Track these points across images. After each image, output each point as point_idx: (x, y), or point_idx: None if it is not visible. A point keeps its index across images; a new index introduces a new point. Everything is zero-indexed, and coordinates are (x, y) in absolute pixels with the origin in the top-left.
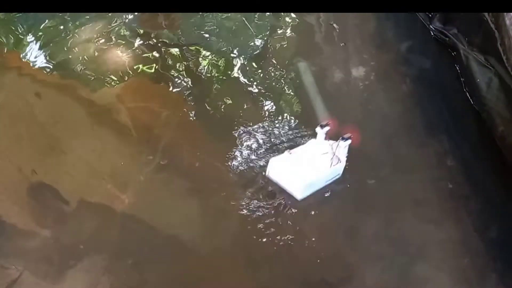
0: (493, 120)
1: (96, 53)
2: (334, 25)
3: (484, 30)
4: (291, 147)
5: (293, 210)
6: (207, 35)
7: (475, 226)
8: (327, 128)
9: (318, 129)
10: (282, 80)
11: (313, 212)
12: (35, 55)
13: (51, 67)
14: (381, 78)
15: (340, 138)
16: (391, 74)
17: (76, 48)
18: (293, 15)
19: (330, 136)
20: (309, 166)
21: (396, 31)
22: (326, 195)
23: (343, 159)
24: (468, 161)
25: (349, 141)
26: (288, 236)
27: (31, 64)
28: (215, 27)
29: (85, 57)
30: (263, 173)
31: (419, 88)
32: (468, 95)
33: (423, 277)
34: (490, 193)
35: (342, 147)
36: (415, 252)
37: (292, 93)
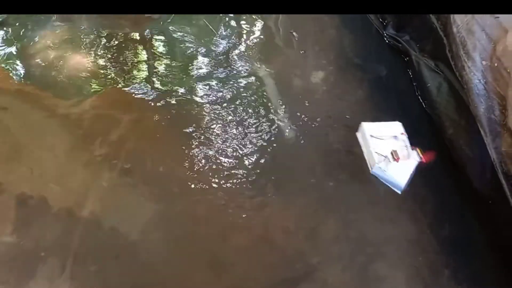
0: (443, 123)
1: (59, 59)
2: (294, 33)
3: (433, 37)
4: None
5: (255, 212)
6: (174, 36)
7: (430, 225)
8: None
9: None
10: (244, 85)
11: (276, 212)
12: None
13: (16, 73)
14: (339, 82)
15: (416, 150)
16: (349, 79)
17: (39, 54)
18: (257, 23)
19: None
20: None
21: (353, 38)
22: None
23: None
24: (422, 163)
25: (418, 158)
26: (252, 238)
27: None
28: (180, 31)
29: (48, 63)
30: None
31: (375, 92)
32: (420, 99)
33: (381, 275)
34: (444, 194)
35: (413, 157)
36: (373, 250)
37: (254, 98)
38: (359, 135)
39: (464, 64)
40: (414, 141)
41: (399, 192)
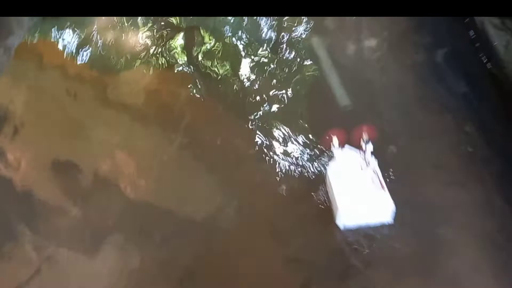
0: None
1: (111, 42)
2: None
3: None
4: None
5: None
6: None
7: (497, 188)
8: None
9: (334, 151)
10: (298, 59)
11: None
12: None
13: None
14: (394, 48)
15: (363, 142)
16: (404, 43)
17: (93, 38)
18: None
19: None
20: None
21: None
22: None
23: (372, 158)
24: (487, 124)
25: (370, 144)
26: (312, 205)
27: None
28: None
29: (100, 46)
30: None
31: (433, 56)
32: (484, 59)
33: (450, 240)
34: (511, 155)
35: (368, 151)
36: (440, 216)
37: (308, 69)
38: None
39: None
40: (479, 102)
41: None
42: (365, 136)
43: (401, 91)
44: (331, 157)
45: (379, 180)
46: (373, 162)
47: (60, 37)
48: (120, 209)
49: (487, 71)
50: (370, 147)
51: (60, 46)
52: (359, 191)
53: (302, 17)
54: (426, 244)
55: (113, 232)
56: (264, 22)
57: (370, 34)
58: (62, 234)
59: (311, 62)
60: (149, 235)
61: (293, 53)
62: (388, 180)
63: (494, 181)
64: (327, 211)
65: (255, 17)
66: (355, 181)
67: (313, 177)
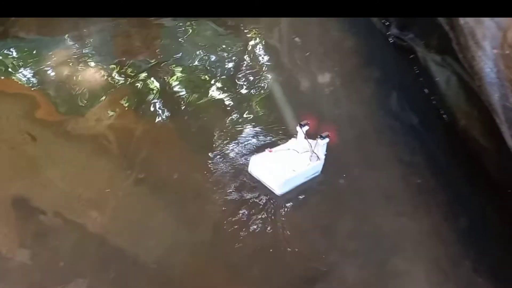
0: (454, 115)
1: (70, 75)
2: (296, 39)
3: (439, 32)
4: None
5: (271, 214)
6: (179, 53)
7: (445, 217)
8: (306, 128)
9: (298, 128)
10: (253, 91)
11: (290, 212)
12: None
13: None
14: (346, 82)
15: (318, 136)
16: (355, 78)
17: (50, 72)
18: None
19: (309, 135)
20: (288, 164)
21: (357, 39)
22: (300, 197)
23: (322, 157)
24: (434, 156)
25: (327, 140)
26: (266, 238)
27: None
28: (186, 46)
29: (59, 79)
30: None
31: (382, 90)
32: (428, 94)
33: (400, 270)
34: (457, 185)
35: (320, 145)
36: (390, 246)
37: (264, 102)
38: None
39: (474, 54)
40: (426, 135)
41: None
42: (324, 133)
43: (352, 124)
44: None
45: (305, 168)
46: (321, 159)
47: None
48: (73, 248)
49: (432, 104)
50: (322, 143)
51: (15, 81)
52: (278, 158)
53: (260, 55)
54: (375, 272)
55: (64, 272)
56: (226, 55)
57: (324, 70)
58: (11, 277)
59: (268, 96)
60: (103, 272)
61: (250, 88)
62: (336, 208)
63: (440, 210)
64: (282, 243)
65: (219, 52)
66: (287, 155)
67: (272, 211)
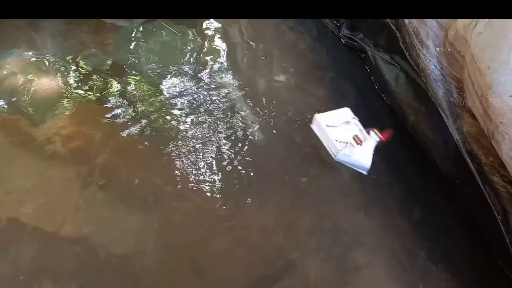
0: (404, 112)
1: (25, 84)
2: (251, 42)
3: (386, 32)
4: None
5: (232, 214)
6: (134, 56)
7: (400, 210)
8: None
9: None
10: (213, 96)
11: (252, 212)
12: None
13: None
14: (301, 83)
15: (373, 131)
16: (310, 79)
17: (4, 81)
18: (217, 34)
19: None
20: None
21: (310, 40)
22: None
23: (371, 152)
24: (388, 152)
25: (377, 138)
26: (230, 240)
27: None
28: (141, 49)
29: (14, 89)
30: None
31: (336, 89)
32: (380, 91)
33: (360, 263)
34: (410, 179)
35: (371, 138)
36: (350, 241)
37: (223, 107)
38: (314, 127)
39: (419, 53)
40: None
41: (366, 173)
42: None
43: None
44: None
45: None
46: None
47: None
48: (32, 259)
49: (383, 102)
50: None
51: None
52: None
53: (219, 56)
54: (336, 267)
55: (26, 284)
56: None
57: (279, 71)
58: None
59: (226, 99)
60: (64, 283)
61: (208, 90)
62: (297, 207)
63: (396, 204)
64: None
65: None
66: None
67: (232, 213)
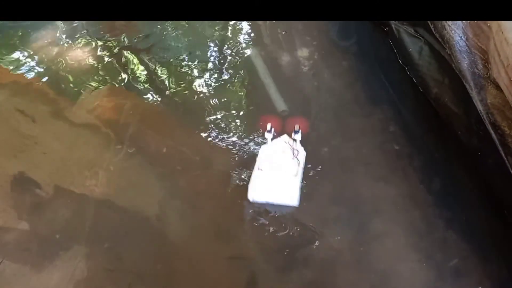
0: (427, 84)
1: (60, 58)
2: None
3: None
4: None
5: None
6: (162, 32)
7: (420, 180)
8: (299, 135)
9: (266, 135)
10: (237, 68)
11: None
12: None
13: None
14: (324, 56)
15: (293, 132)
16: (333, 52)
17: (40, 53)
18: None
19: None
20: (284, 172)
21: None
22: None
23: (301, 149)
24: (409, 124)
25: (299, 133)
26: (253, 208)
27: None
28: (169, 26)
29: (50, 61)
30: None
31: (359, 62)
32: (402, 64)
33: (380, 232)
34: (431, 150)
35: (298, 140)
36: (370, 210)
37: (247, 79)
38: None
39: (445, 24)
40: (401, 104)
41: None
42: (296, 127)
43: (331, 96)
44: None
45: (298, 168)
46: (302, 152)
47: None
48: (66, 220)
49: (406, 75)
50: (298, 137)
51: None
52: (274, 172)
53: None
54: (357, 235)
55: (60, 244)
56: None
57: (302, 44)
58: (9, 247)
59: (250, 72)
60: (97, 244)
61: (234, 64)
62: (318, 177)
63: (416, 175)
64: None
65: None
66: (277, 164)
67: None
